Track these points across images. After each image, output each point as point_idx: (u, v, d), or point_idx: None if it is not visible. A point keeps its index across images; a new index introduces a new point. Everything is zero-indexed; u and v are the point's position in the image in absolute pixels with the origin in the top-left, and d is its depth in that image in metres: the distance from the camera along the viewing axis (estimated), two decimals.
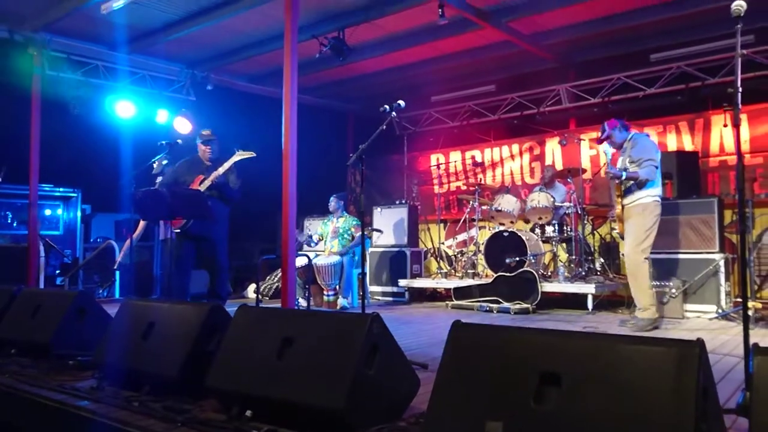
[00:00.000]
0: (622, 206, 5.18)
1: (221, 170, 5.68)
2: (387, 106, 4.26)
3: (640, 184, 5.05)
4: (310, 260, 6.82)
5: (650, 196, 5.07)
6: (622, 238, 5.43)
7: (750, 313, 5.34)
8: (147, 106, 8.57)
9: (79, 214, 8.22)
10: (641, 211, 5.07)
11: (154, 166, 6.37)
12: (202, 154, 6.02)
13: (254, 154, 5.71)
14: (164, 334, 2.92)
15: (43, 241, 7.47)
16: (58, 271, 7.82)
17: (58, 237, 8.09)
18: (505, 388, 1.89)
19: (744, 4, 2.90)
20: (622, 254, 7.64)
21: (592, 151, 8.62)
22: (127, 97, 8.27)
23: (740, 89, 2.70)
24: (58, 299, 3.82)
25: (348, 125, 11.30)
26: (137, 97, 8.45)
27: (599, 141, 5.59)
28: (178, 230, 5.80)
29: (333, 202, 7.53)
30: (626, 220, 5.20)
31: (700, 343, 1.71)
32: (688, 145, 7.93)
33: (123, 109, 8.18)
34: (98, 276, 7.99)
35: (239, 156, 5.68)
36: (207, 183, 5.66)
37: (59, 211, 8.27)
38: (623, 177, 5.03)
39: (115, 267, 7.72)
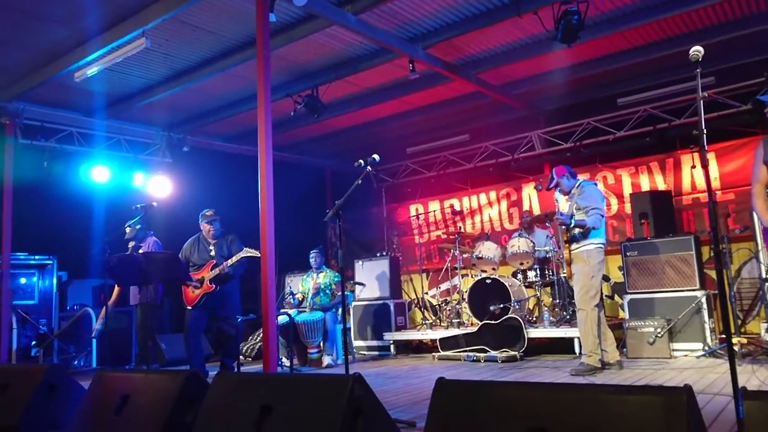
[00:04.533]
0: (570, 251, 5.32)
1: (229, 263, 5.89)
2: (362, 161, 4.26)
3: (585, 232, 5.18)
4: (291, 318, 6.70)
5: (593, 244, 5.20)
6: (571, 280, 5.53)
7: (736, 348, 5.33)
8: (122, 170, 8.53)
9: (54, 281, 8.01)
10: (585, 257, 5.20)
11: (126, 231, 6.30)
12: (206, 233, 6.20)
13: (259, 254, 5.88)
14: (138, 408, 2.79)
15: (16, 313, 7.26)
16: (33, 342, 7.57)
17: (33, 306, 7.85)
18: None
19: (701, 49, 3.00)
20: (605, 295, 7.67)
21: None
22: (102, 162, 8.23)
23: (705, 130, 2.75)
24: (27, 376, 3.66)
25: (325, 180, 11.34)
26: (112, 161, 8.41)
27: (547, 188, 5.70)
28: (191, 307, 5.98)
29: (316, 257, 7.44)
30: (573, 265, 5.33)
31: (687, 389, 1.68)
32: (661, 184, 8.06)
33: (98, 174, 8.12)
34: (74, 345, 7.74)
35: (246, 253, 5.86)
36: (216, 272, 5.92)
37: (35, 279, 8.07)
38: (571, 224, 5.15)
39: (92, 335, 7.50)
